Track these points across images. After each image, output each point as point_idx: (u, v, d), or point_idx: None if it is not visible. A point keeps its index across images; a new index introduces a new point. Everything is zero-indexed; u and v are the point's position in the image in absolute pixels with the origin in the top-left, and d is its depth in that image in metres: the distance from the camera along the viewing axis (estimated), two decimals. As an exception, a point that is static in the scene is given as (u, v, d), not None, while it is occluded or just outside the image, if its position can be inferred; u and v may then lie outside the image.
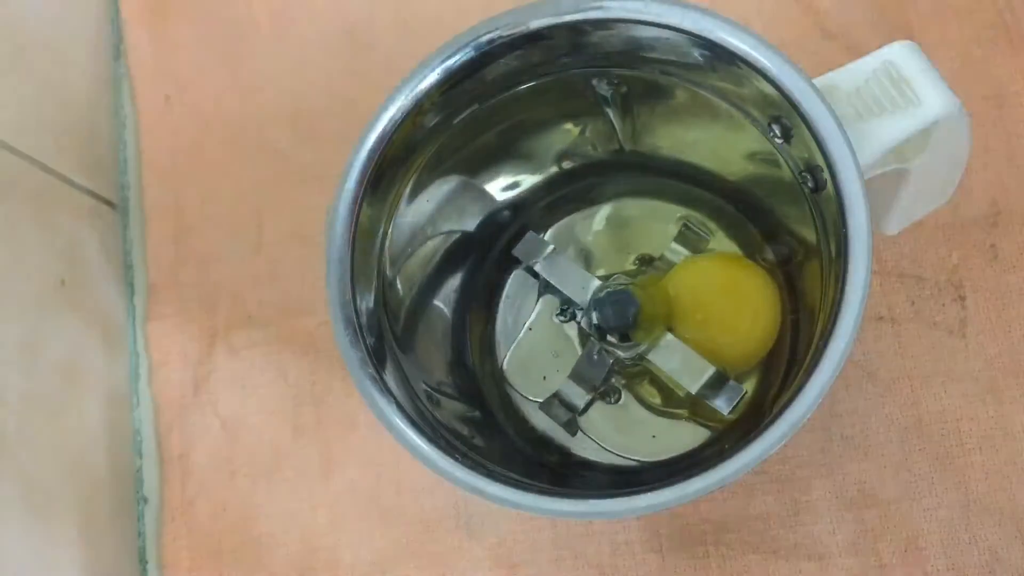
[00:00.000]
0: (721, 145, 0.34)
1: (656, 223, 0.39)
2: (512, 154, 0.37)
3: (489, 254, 0.39)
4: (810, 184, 0.29)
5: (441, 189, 0.35)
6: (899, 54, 0.28)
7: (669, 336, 0.34)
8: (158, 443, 0.42)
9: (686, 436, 0.37)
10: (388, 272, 0.32)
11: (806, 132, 0.27)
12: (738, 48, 0.28)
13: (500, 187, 0.38)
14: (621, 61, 0.31)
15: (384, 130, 0.30)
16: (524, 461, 0.36)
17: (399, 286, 0.34)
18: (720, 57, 0.28)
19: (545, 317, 0.38)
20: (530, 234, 0.36)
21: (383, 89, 0.30)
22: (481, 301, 0.39)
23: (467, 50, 0.30)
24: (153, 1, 0.47)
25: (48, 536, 0.36)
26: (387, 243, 0.32)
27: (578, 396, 0.36)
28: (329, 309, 0.29)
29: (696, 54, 0.29)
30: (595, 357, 0.35)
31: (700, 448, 0.36)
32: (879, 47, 0.28)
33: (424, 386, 0.32)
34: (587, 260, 0.39)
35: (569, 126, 0.36)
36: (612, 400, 0.37)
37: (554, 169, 0.38)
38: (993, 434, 0.37)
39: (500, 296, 0.39)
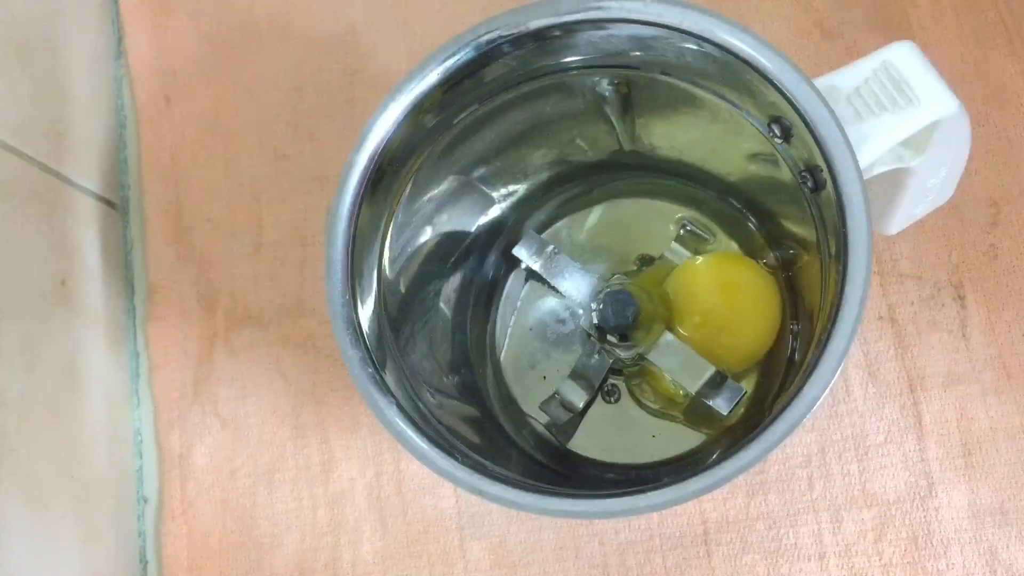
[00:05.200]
0: (721, 145, 0.34)
1: (656, 223, 0.39)
2: (512, 154, 0.37)
3: (489, 254, 0.39)
4: (810, 184, 0.29)
5: (441, 189, 0.35)
6: (899, 54, 0.28)
7: (669, 336, 0.34)
8: (158, 443, 0.42)
9: (686, 436, 0.37)
10: (388, 272, 0.32)
11: (806, 132, 0.27)
12: (738, 48, 0.28)
13: (500, 187, 0.38)
14: (621, 61, 0.31)
15: (384, 130, 0.30)
16: (524, 461, 0.36)
17: (399, 286, 0.34)
18: (720, 57, 0.28)
19: (544, 316, 0.38)
20: (530, 234, 0.36)
21: (383, 89, 0.30)
22: (481, 301, 0.39)
23: (467, 50, 0.30)
24: (153, 1, 0.47)
25: (48, 536, 0.36)
26: (387, 243, 0.32)
27: (578, 396, 0.36)
28: (329, 309, 0.29)
29: (696, 54, 0.29)
30: (595, 357, 0.35)
31: (700, 448, 0.36)
32: (879, 47, 0.29)
33: (424, 386, 0.32)
34: (587, 260, 0.39)
35: (569, 126, 0.36)
36: (612, 400, 0.37)
37: (554, 169, 0.38)
38: (993, 434, 0.37)
39: (500, 296, 0.39)
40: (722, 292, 0.35)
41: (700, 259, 0.36)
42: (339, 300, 0.29)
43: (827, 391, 0.26)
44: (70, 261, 0.41)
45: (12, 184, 0.38)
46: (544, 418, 0.37)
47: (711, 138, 0.34)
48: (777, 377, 0.35)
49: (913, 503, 0.37)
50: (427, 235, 0.35)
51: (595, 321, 0.33)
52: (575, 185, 0.39)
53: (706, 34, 0.28)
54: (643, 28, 0.29)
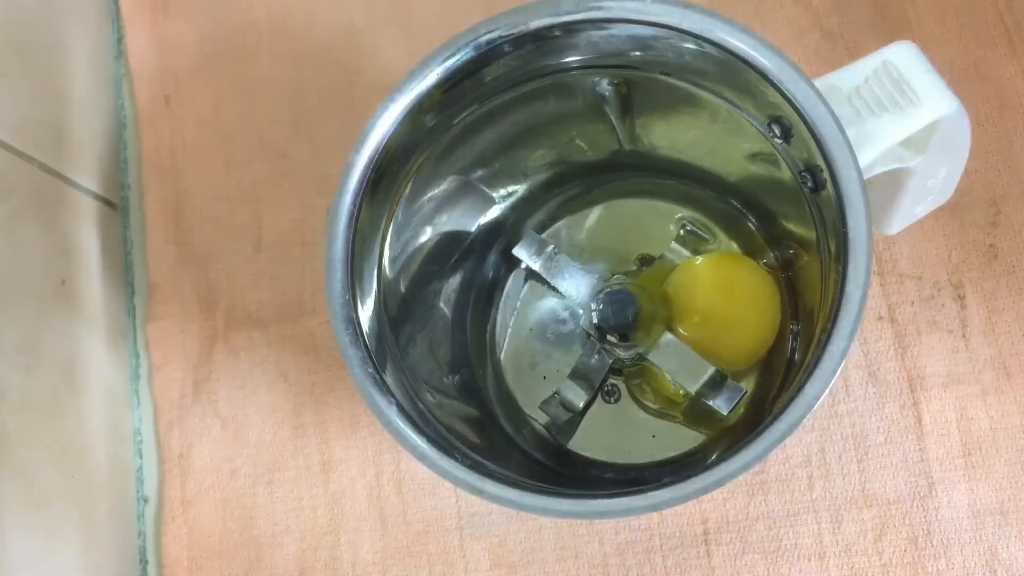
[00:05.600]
0: (721, 145, 0.34)
1: (656, 223, 0.39)
2: (512, 154, 0.37)
3: (489, 254, 0.39)
4: (810, 184, 0.29)
5: (441, 189, 0.35)
6: (899, 54, 0.28)
7: (669, 336, 0.34)
8: (158, 443, 0.42)
9: (686, 436, 0.37)
10: (388, 272, 0.32)
11: (806, 132, 0.27)
12: (738, 48, 0.28)
13: (500, 187, 0.38)
14: (621, 61, 0.31)
15: (384, 130, 0.30)
16: (524, 461, 0.36)
17: (399, 286, 0.34)
18: (720, 57, 0.28)
19: (544, 316, 0.38)
20: (530, 233, 0.36)
21: (383, 89, 0.30)
22: (481, 301, 0.39)
23: (467, 50, 0.30)
24: (153, 1, 0.47)
25: (48, 536, 0.36)
26: (387, 243, 0.32)
27: (578, 396, 0.36)
28: (329, 309, 0.29)
29: (696, 54, 0.29)
30: (595, 357, 0.35)
31: (700, 448, 0.36)
32: (879, 47, 0.29)
33: (424, 386, 0.32)
34: (587, 260, 0.39)
35: (569, 126, 0.36)
36: (612, 400, 0.37)
37: (554, 169, 0.38)
38: (993, 434, 0.37)
39: (500, 296, 0.39)
40: (722, 292, 0.35)
41: (700, 259, 0.36)
42: (339, 300, 0.29)
43: (827, 391, 0.26)
44: (70, 261, 0.41)
45: (12, 184, 0.39)
46: (544, 418, 0.37)
47: (711, 138, 0.34)
48: (777, 377, 0.35)
49: (913, 503, 0.37)
50: (427, 235, 0.35)
51: (595, 321, 0.33)
52: (575, 185, 0.39)
53: (706, 34, 0.28)
54: (643, 28, 0.29)
